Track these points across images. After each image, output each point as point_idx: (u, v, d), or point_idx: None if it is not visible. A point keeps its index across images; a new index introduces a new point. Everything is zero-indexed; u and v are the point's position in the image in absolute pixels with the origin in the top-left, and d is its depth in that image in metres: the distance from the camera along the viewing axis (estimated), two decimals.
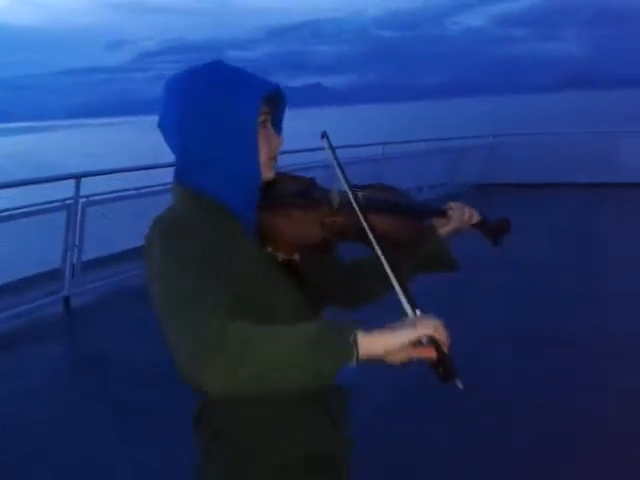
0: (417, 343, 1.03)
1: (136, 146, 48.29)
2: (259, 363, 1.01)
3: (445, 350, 1.04)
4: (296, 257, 1.39)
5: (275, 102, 1.36)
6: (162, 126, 1.32)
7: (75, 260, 5.99)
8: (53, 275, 5.88)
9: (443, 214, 1.55)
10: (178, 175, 1.33)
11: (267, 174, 1.34)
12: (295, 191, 1.41)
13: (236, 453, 1.32)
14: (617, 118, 31.25)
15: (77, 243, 5.97)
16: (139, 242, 1.28)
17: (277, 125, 1.38)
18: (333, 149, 1.40)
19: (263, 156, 1.32)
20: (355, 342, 1.01)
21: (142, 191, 6.83)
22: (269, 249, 1.36)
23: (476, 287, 6.07)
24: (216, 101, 1.28)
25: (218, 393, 1.06)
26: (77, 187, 5.93)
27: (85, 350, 5.22)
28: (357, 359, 1.01)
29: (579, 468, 3.06)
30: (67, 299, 5.94)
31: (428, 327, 1.03)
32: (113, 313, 5.94)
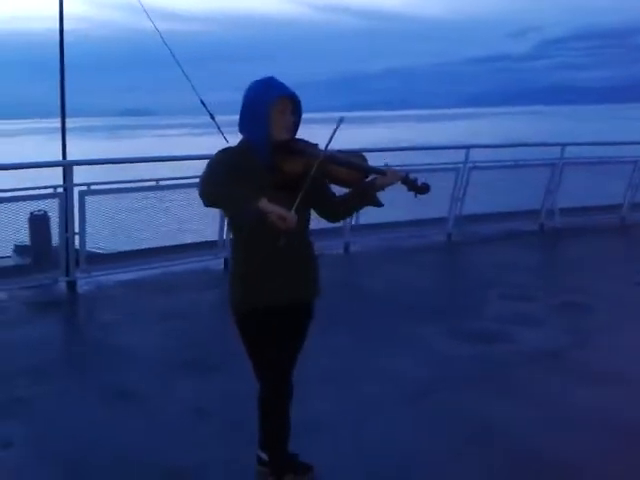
0: (281, 217, 2.41)
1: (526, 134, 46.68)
2: (225, 201, 2.59)
3: (288, 224, 2.38)
4: (287, 179, 2.59)
5: (294, 101, 2.70)
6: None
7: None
8: (213, 244, 7.87)
9: (382, 173, 2.59)
10: (239, 127, 2.77)
11: (283, 136, 2.71)
12: (298, 147, 2.63)
13: (236, 273, 2.88)
14: None
15: None
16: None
17: (297, 112, 2.73)
18: (335, 129, 2.52)
19: (277, 127, 2.66)
20: (257, 203, 2.44)
21: None
22: (276, 173, 2.59)
23: None
24: (253, 97, 2.70)
25: (207, 204, 2.59)
26: None
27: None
28: (258, 208, 2.43)
29: None
30: (226, 260, 7.66)
31: (286, 213, 2.44)
32: None
